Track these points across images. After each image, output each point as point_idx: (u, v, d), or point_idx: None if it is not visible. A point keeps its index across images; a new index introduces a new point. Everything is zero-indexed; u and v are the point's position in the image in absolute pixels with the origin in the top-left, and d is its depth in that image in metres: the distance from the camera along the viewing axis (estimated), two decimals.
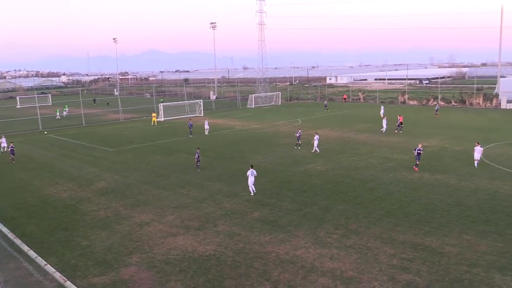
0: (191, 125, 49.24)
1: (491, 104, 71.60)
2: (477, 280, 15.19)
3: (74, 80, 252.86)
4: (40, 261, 8.15)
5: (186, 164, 34.82)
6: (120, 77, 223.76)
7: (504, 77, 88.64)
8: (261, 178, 29.81)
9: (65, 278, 7.44)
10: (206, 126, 49.58)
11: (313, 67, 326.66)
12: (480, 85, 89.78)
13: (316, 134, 38.60)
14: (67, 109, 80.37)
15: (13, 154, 38.09)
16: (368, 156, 35.79)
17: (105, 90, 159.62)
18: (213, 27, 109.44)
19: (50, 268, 7.81)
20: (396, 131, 47.08)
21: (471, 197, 24.36)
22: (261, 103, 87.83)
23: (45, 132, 57.96)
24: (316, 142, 37.73)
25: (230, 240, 19.43)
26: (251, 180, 25.95)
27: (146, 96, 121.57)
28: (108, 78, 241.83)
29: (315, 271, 16.22)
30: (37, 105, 68.14)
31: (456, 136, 43.68)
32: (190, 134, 48.81)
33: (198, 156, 32.47)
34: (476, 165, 30.80)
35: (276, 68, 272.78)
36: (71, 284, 7.21)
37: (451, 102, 77.01)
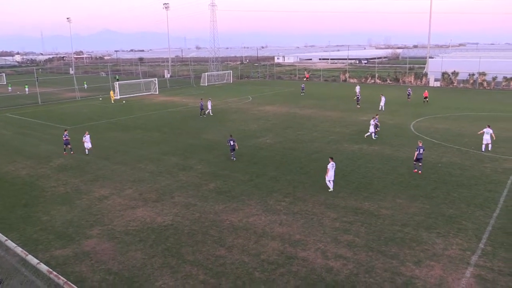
0: (202, 105, 45.74)
1: (421, 82, 74.50)
2: (407, 238, 16.08)
3: (28, 60, 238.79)
4: (1, 236, 7.82)
5: (142, 140, 34.10)
6: (75, 56, 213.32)
7: (432, 58, 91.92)
8: (215, 151, 29.81)
9: (26, 252, 7.21)
10: (209, 107, 46.45)
11: (262, 47, 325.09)
12: (412, 65, 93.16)
13: (375, 118, 32.80)
14: (27, 88, 76.59)
15: (67, 144, 30.59)
16: (313, 130, 36.46)
17: (60, 69, 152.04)
18: (166, 7, 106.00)
19: (11, 243, 7.52)
20: (424, 102, 51.76)
21: (403, 165, 25.49)
22: (213, 81, 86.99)
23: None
24: (372, 128, 32.22)
25: (186, 210, 19.40)
26: (331, 174, 21.22)
27: (102, 74, 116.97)
28: (63, 57, 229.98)
29: (266, 236, 16.55)
30: None
31: (391, 111, 45.24)
32: (200, 115, 45.14)
33: (234, 143, 27.30)
34: (483, 149, 27.77)
35: (227, 48, 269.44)
36: (33, 258, 7.01)
37: (386, 80, 79.44)
